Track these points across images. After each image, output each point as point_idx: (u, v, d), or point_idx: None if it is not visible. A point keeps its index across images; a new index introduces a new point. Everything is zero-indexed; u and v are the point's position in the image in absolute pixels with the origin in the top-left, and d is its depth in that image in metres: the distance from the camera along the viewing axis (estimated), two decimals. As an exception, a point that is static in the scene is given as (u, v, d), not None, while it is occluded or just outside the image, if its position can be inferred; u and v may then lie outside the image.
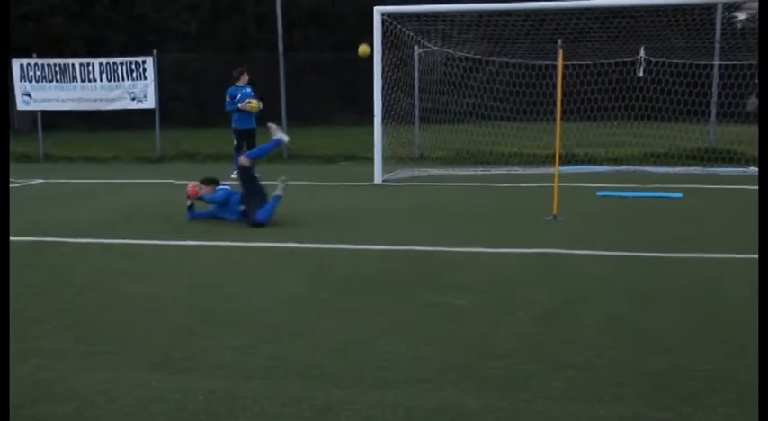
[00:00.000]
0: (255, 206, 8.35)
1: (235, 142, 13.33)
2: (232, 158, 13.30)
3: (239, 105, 12.89)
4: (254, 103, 12.80)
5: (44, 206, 10.24)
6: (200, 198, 8.76)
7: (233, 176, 12.62)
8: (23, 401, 3.58)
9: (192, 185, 8.86)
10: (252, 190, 8.51)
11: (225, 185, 8.93)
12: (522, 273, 6.06)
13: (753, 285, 5.43)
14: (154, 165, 16.30)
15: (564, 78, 9.02)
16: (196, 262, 6.69)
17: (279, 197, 8.52)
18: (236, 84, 13.14)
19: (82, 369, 4.02)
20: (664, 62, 14.54)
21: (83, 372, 3.96)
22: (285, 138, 9.03)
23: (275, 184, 8.62)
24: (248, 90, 13.13)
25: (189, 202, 8.84)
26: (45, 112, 17.64)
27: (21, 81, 17.02)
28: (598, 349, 4.19)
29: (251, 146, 12.81)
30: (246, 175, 8.58)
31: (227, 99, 13.10)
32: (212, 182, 8.90)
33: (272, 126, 9.00)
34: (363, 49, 11.89)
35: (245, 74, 13.18)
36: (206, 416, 3.40)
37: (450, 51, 15.21)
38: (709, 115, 14.85)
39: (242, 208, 8.45)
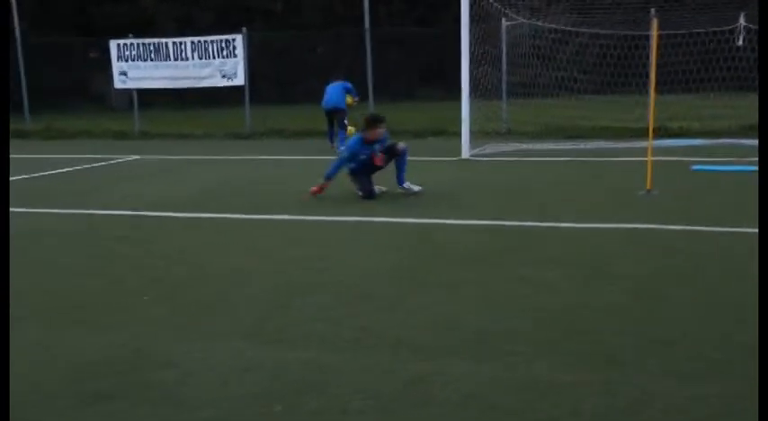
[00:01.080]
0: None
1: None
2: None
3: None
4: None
5: (140, 181, 10.61)
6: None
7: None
8: (126, 368, 3.71)
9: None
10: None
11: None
12: (614, 248, 5.98)
13: None
14: (244, 141, 16.66)
15: (658, 49, 8.77)
16: (287, 236, 6.82)
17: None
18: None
19: (179, 338, 4.15)
20: (765, 30, 13.97)
21: (180, 341, 4.09)
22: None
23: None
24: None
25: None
26: (140, 91, 18.22)
27: (117, 61, 17.61)
28: (695, 325, 4.12)
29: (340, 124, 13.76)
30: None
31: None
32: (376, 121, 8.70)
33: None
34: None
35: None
36: (299, 385, 3.48)
37: (539, 23, 14.98)
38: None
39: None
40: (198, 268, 5.68)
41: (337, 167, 8.61)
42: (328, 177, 8.58)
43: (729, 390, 3.28)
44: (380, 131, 8.65)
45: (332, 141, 14.02)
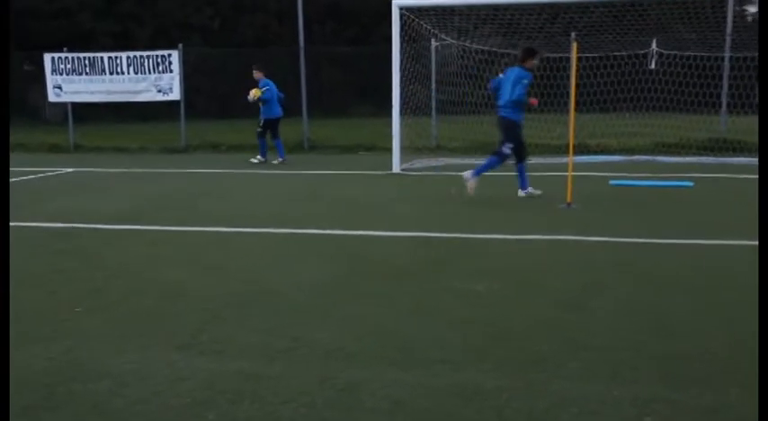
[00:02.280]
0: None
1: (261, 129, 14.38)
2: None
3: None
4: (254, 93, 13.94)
5: (75, 194, 10.60)
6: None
7: (252, 161, 13.64)
8: (58, 380, 3.75)
9: None
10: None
11: None
12: (538, 259, 6.27)
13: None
14: (179, 155, 16.75)
15: (577, 71, 9.30)
16: (222, 248, 6.93)
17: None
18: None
19: (112, 350, 4.19)
20: (675, 54, 14.80)
21: (113, 353, 4.13)
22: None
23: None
24: (260, 85, 14.11)
25: None
26: (75, 104, 18.18)
27: (52, 74, 17.55)
28: (614, 332, 4.35)
29: (274, 134, 14.18)
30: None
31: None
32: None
33: None
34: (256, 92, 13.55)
35: (256, 71, 14.31)
36: (232, 395, 3.56)
37: (467, 44, 15.52)
38: (720, 106, 15.10)
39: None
40: (134, 280, 5.73)
41: (523, 94, 9.57)
42: (519, 98, 9.54)
43: (642, 394, 3.50)
44: (535, 63, 9.59)
45: (264, 156, 14.36)
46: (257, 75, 14.23)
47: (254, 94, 13.90)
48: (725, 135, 15.05)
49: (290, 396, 3.56)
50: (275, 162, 14.25)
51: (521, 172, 9.77)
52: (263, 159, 14.29)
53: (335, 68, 22.39)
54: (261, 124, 14.28)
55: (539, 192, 9.71)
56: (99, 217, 8.50)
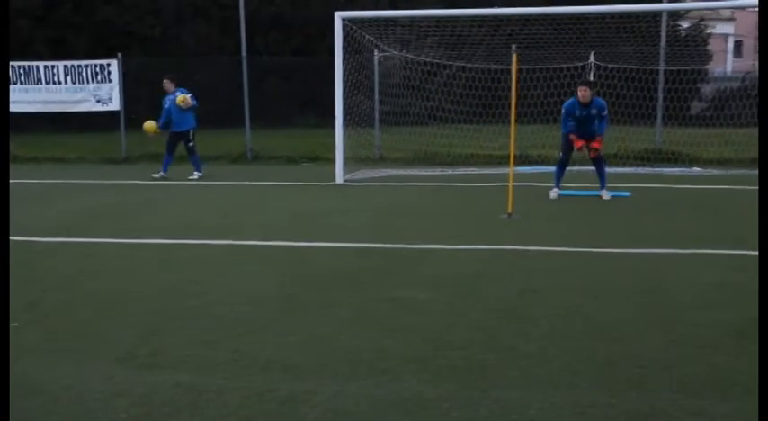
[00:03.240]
0: None
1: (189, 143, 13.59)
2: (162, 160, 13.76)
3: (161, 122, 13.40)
4: (180, 99, 13.15)
5: (12, 206, 10.37)
6: None
7: (155, 175, 13.05)
8: None
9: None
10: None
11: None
12: (479, 269, 6.35)
13: (692, 278, 5.89)
14: (119, 165, 16.48)
15: (518, 82, 9.45)
16: (162, 260, 6.87)
17: None
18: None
19: (48, 365, 4.13)
20: (612, 67, 15.15)
21: (49, 368, 4.07)
22: None
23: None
24: (177, 94, 13.30)
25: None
26: (11, 114, 17.72)
27: (-15, 83, 17.11)
28: (552, 340, 4.45)
29: (187, 150, 13.49)
30: None
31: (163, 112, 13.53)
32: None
33: None
34: (149, 125, 13.08)
35: (166, 81, 13.54)
36: (170, 409, 3.51)
37: (409, 56, 15.64)
38: (656, 118, 15.51)
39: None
40: (71, 293, 5.66)
41: (564, 123, 10.41)
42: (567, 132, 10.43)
43: (581, 400, 3.61)
44: (580, 93, 10.16)
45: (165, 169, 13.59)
46: (169, 86, 13.45)
47: (183, 101, 13.11)
48: (660, 146, 15.44)
49: (230, 409, 3.54)
50: (156, 175, 13.49)
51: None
52: (200, 173, 13.68)
53: (278, 79, 22.33)
54: (192, 137, 13.48)
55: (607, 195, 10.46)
56: (35, 230, 8.32)
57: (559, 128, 10.77)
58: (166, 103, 13.44)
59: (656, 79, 15.18)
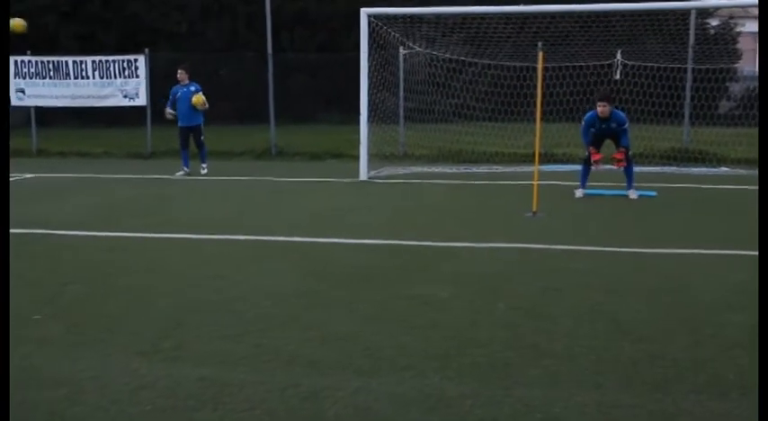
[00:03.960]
0: None
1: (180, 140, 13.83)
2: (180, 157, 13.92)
3: (169, 110, 13.54)
4: (196, 100, 13.25)
5: (36, 199, 10.48)
6: None
7: (178, 174, 13.08)
8: (15, 387, 3.64)
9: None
10: None
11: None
12: (502, 267, 6.33)
13: (719, 279, 5.82)
14: (145, 161, 16.61)
15: (543, 80, 9.40)
16: (186, 255, 6.91)
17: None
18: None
19: (71, 357, 4.15)
20: (639, 66, 15.00)
21: (72, 360, 4.10)
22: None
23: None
24: (191, 88, 13.47)
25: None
26: (38, 108, 17.95)
27: (15, 78, 17.30)
28: (575, 339, 4.42)
29: (197, 143, 13.60)
30: None
31: (170, 97, 13.66)
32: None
33: None
34: (16, 23, 11.33)
35: (181, 72, 13.61)
36: (194, 402, 3.54)
37: (435, 53, 15.61)
38: (683, 117, 15.35)
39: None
40: (94, 287, 5.70)
41: (584, 133, 10.47)
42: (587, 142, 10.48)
43: (605, 400, 3.58)
44: (600, 109, 10.09)
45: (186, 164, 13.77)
46: (183, 76, 13.52)
47: (201, 103, 13.29)
48: (687, 145, 15.29)
49: (252, 403, 3.55)
50: (180, 173, 13.57)
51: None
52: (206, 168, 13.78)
53: (304, 75, 22.38)
54: (203, 131, 13.70)
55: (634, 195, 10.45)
56: (60, 223, 8.42)
57: (581, 131, 10.71)
58: (177, 93, 13.52)
59: (683, 77, 15.01)
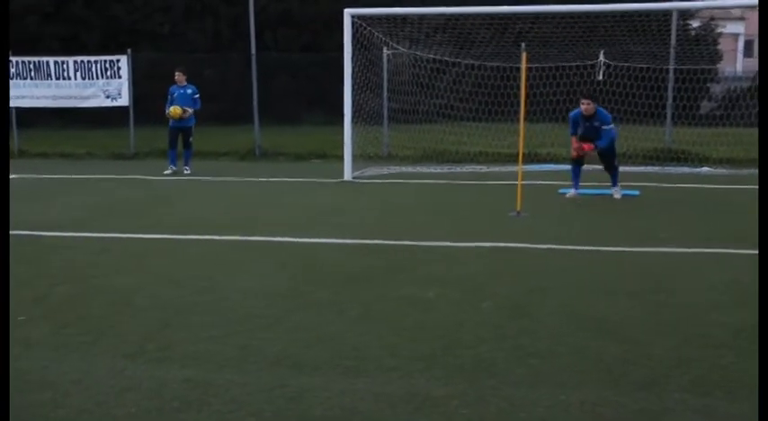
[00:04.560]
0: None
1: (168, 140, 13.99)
2: (167, 156, 14.07)
3: (169, 109, 13.63)
4: (173, 111, 13.47)
5: (19, 201, 10.34)
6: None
7: (166, 172, 13.13)
8: None
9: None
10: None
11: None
12: (487, 267, 6.37)
13: (703, 278, 5.87)
14: (128, 161, 16.51)
15: (527, 80, 9.44)
16: (171, 255, 6.90)
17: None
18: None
19: (57, 359, 4.15)
20: (622, 66, 15.09)
21: (57, 362, 4.09)
22: None
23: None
24: (188, 91, 13.73)
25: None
26: (19, 109, 17.80)
27: (-5, 78, 17.16)
28: (560, 338, 4.45)
29: (185, 144, 13.76)
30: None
31: (168, 97, 13.81)
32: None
33: None
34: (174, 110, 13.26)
35: (179, 73, 13.81)
36: (179, 403, 3.54)
37: (418, 53, 15.63)
38: (665, 117, 15.45)
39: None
40: (80, 288, 5.69)
41: (570, 129, 10.44)
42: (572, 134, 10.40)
43: (589, 398, 3.61)
44: (583, 107, 10.12)
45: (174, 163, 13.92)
46: (181, 78, 13.71)
47: (172, 114, 13.49)
48: (669, 145, 15.39)
49: (238, 404, 3.55)
50: (167, 171, 13.71)
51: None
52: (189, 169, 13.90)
53: (287, 76, 22.31)
54: (192, 132, 13.91)
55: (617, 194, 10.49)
56: (43, 224, 8.36)
57: (568, 126, 10.74)
58: (174, 93, 13.67)
59: (665, 78, 15.11)
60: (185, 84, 13.74)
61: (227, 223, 8.47)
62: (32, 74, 16.99)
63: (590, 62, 15.30)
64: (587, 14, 13.60)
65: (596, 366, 4.03)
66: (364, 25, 13.36)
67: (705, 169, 13.97)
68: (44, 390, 3.72)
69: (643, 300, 5.34)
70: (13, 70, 17.08)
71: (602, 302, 5.26)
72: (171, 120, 13.76)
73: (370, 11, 13.39)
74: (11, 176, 13.39)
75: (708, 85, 18.45)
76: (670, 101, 15.23)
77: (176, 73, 13.81)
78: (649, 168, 14.13)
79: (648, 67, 14.98)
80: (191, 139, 13.85)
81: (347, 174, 12.69)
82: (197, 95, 13.73)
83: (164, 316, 4.95)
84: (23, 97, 17.19)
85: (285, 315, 4.98)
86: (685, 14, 19.65)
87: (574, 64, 15.22)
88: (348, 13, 12.58)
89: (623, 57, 15.19)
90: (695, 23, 23.40)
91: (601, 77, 14.84)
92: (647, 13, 13.95)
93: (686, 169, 13.92)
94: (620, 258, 6.73)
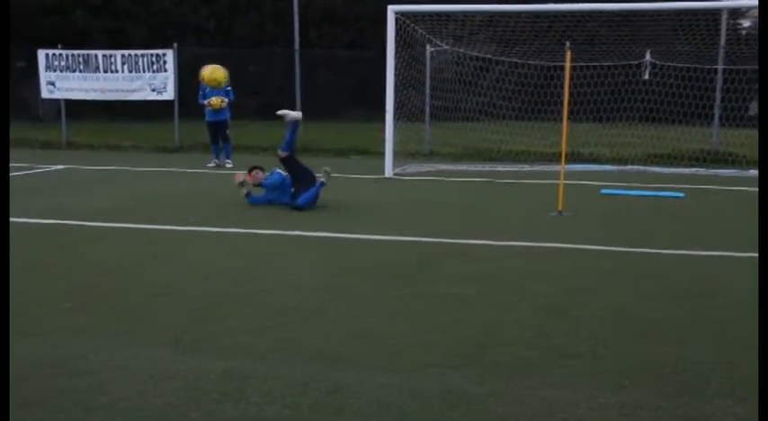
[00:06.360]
0: (304, 189, 8.97)
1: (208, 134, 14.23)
2: (210, 150, 14.37)
3: (204, 102, 13.80)
4: (215, 101, 13.61)
5: (66, 191, 10.60)
6: (260, 184, 9.30)
7: (209, 165, 13.42)
8: (42, 375, 3.77)
9: (244, 175, 9.46)
10: (300, 174, 9.13)
11: (278, 171, 9.45)
12: (527, 266, 6.31)
13: (748, 282, 5.71)
14: (172, 154, 16.74)
15: (571, 79, 9.35)
16: (214, 248, 6.96)
17: (323, 183, 9.10)
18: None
19: (98, 347, 4.19)
20: (669, 66, 14.86)
21: (99, 350, 4.14)
22: (297, 115, 9.51)
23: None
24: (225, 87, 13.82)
25: (245, 191, 9.34)
26: (68, 101, 18.15)
27: (46, 71, 17.51)
28: (600, 340, 4.39)
29: (223, 137, 13.97)
30: (289, 164, 9.15)
31: (200, 92, 13.96)
32: (260, 168, 9.55)
33: (281, 112, 9.50)
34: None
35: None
36: (218, 394, 3.57)
37: (462, 51, 15.57)
38: (713, 118, 15.19)
39: (293, 190, 9.05)
40: (124, 277, 5.76)
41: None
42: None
43: (629, 402, 3.56)
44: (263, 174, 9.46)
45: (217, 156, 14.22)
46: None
47: (213, 104, 13.67)
48: (716, 147, 15.12)
49: (274, 397, 3.57)
50: (211, 164, 14.00)
51: None
52: (230, 162, 14.06)
53: (330, 72, 22.41)
54: (229, 125, 14.10)
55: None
56: (89, 214, 8.49)
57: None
58: (206, 88, 13.80)
59: (713, 78, 14.85)
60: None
61: (266, 216, 8.52)
62: (81, 67, 17.29)
63: (636, 62, 15.10)
64: (634, 13, 13.42)
65: (636, 369, 3.97)
66: (408, 22, 13.35)
67: (753, 172, 13.67)
68: (85, 377, 3.77)
69: (686, 302, 5.26)
70: (63, 63, 17.41)
71: (643, 304, 5.19)
72: (207, 115, 13.95)
73: (414, 8, 13.37)
74: (58, 167, 13.68)
75: (758, 85, 18.07)
76: (718, 101, 14.96)
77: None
78: (695, 170, 13.91)
79: (696, 67, 14.72)
80: (228, 132, 14.04)
81: (388, 171, 12.69)
82: (229, 88, 13.87)
83: (203, 307, 4.99)
84: (73, 90, 17.52)
85: (322, 309, 4.99)
86: (735, 14, 19.27)
87: (619, 63, 15.03)
88: (392, 9, 12.57)
89: (670, 56, 14.96)
90: (746, 23, 22.95)
91: (647, 77, 14.63)
92: (696, 11, 13.70)
93: (733, 171, 13.66)
94: (662, 260, 6.63)
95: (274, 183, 9.26)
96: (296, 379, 3.78)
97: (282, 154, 9.23)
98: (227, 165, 13.84)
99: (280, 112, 9.49)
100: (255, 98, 15.64)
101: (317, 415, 3.40)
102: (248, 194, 9.37)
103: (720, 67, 14.79)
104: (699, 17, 14.24)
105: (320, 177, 9.17)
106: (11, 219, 7.88)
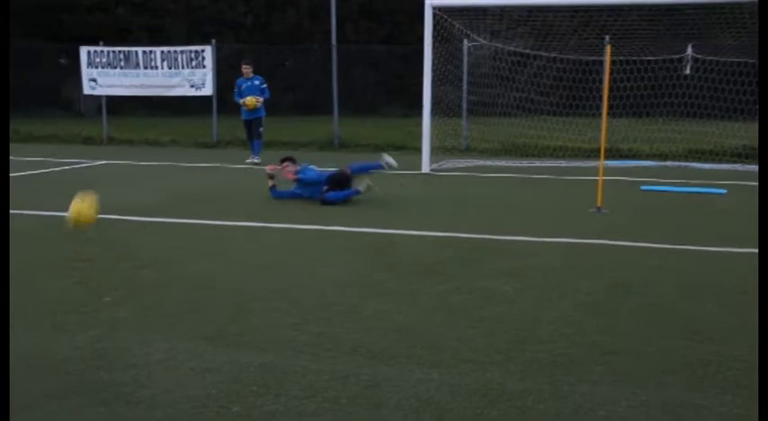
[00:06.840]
0: (339, 190, 9.05)
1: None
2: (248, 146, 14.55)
3: (240, 101, 13.95)
4: (249, 101, 13.75)
5: (106, 185, 10.69)
6: (297, 179, 9.36)
7: (247, 161, 13.52)
8: (84, 368, 3.81)
9: (275, 167, 9.53)
10: (343, 183, 9.21)
11: (311, 167, 9.54)
12: (566, 262, 6.25)
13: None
14: (210, 149, 16.90)
15: (610, 74, 9.24)
16: (253, 242, 7.00)
17: (358, 191, 9.11)
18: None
19: (140, 340, 4.23)
20: (711, 60, 14.62)
21: (140, 343, 4.17)
22: (393, 163, 9.73)
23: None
24: (255, 82, 14.04)
25: (271, 183, 9.39)
26: (109, 98, 18.42)
27: (87, 67, 17.78)
28: (642, 337, 4.34)
29: (255, 134, 14.07)
30: (345, 180, 9.23)
31: (235, 90, 14.14)
32: (292, 159, 9.65)
33: (387, 159, 9.76)
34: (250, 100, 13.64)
35: (245, 66, 14.14)
36: (257, 387, 3.59)
37: (499, 45, 15.47)
38: (756, 114, 14.89)
39: (325, 188, 9.09)
40: (162, 271, 5.81)
41: None
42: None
43: (671, 400, 3.51)
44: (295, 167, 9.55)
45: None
46: (247, 70, 14.07)
47: (247, 103, 13.80)
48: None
49: (314, 391, 3.58)
50: (249, 160, 14.06)
51: None
52: (258, 159, 14.12)
53: (367, 67, 22.44)
54: (263, 123, 14.22)
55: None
56: (129, 209, 8.59)
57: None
58: (242, 85, 14.02)
59: (756, 73, 14.56)
60: (252, 75, 14.07)
61: (304, 212, 8.56)
62: (122, 63, 17.53)
63: (677, 56, 14.87)
64: (675, 7, 13.21)
65: (679, 366, 3.92)
66: (445, 17, 13.29)
67: (797, 168, 13.41)
68: (128, 370, 3.82)
69: (729, 300, 5.18)
70: (104, 60, 17.67)
71: (685, 301, 5.12)
72: (243, 113, 14.09)
73: (452, 2, 13.29)
74: (100, 162, 13.88)
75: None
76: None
77: (243, 65, 14.21)
78: (738, 166, 13.67)
79: (740, 62, 14.45)
80: (261, 129, 14.15)
81: (425, 167, 12.67)
82: (264, 85, 14.04)
83: (243, 301, 5.02)
84: (114, 86, 17.79)
85: (361, 304, 5.00)
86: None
87: (660, 58, 14.81)
88: (429, 4, 12.52)
89: (713, 51, 14.69)
90: (791, 16, 22.47)
91: (688, 72, 14.41)
92: (740, 5, 13.44)
93: (777, 168, 13.38)
94: (705, 257, 6.53)
95: (312, 179, 9.30)
96: (335, 373, 3.79)
97: (348, 172, 9.34)
98: (254, 161, 13.84)
99: (386, 158, 9.76)
100: (292, 94, 15.71)
101: (356, 409, 3.41)
102: (273, 187, 9.42)
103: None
104: (744, 10, 13.96)
105: (361, 186, 9.15)
106: (53, 214, 8.06)
